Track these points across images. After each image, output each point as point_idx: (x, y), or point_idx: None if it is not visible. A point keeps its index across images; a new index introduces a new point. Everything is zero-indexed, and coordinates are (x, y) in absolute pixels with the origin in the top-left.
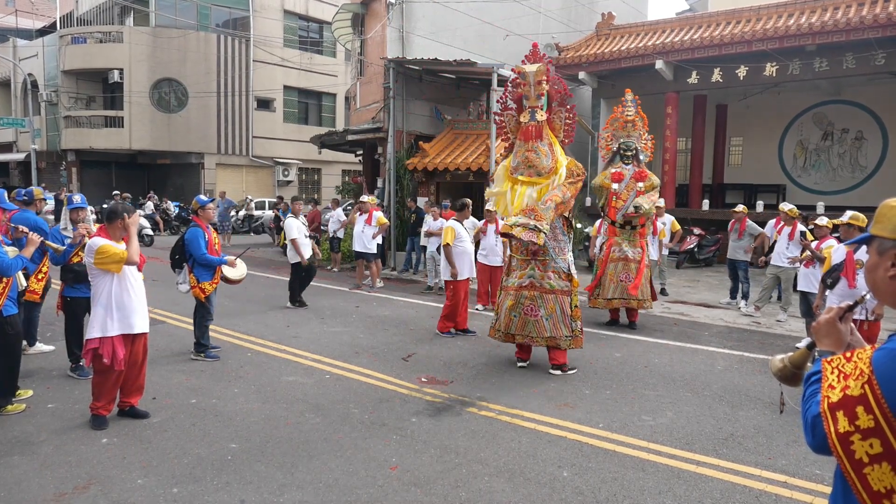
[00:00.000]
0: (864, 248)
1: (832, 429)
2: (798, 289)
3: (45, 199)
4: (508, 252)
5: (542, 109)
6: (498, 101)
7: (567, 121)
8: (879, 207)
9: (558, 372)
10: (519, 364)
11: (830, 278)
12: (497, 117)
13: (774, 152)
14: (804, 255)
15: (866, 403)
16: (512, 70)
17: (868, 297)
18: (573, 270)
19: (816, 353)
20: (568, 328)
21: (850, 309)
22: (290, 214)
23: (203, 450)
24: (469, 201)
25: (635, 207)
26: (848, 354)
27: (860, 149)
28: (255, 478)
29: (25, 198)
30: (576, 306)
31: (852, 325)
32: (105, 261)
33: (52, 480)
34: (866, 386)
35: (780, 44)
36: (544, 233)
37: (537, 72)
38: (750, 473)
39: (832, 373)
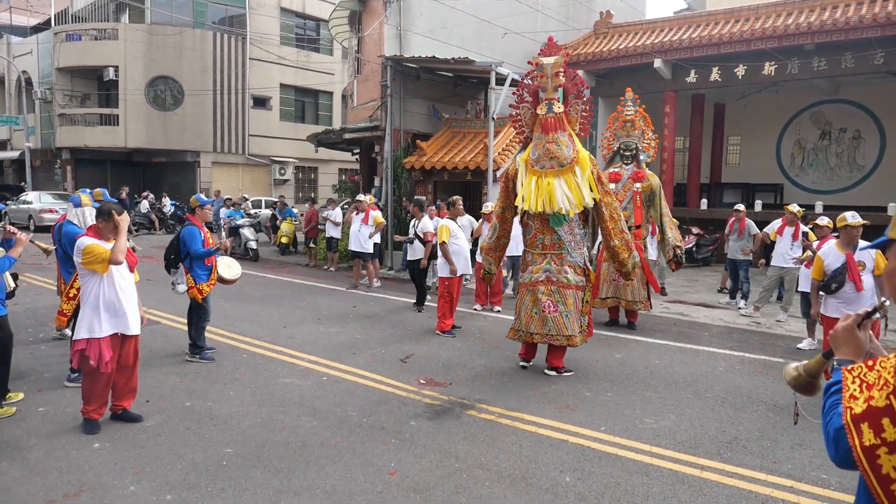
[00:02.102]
0: (863, 250)
1: (857, 442)
2: (799, 289)
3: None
4: (523, 247)
5: (559, 101)
6: (514, 94)
7: (584, 114)
8: None
9: (553, 373)
10: (521, 363)
11: (835, 283)
12: (513, 110)
13: (772, 151)
14: (805, 255)
15: (892, 415)
16: (529, 62)
17: (888, 303)
18: (589, 265)
19: (835, 363)
20: (579, 323)
21: (869, 316)
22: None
23: (198, 455)
24: (456, 198)
25: (676, 252)
26: (870, 363)
27: (858, 148)
28: (250, 484)
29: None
30: (586, 301)
31: (871, 332)
32: (91, 261)
33: (42, 487)
34: (892, 396)
35: (779, 43)
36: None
37: (555, 64)
38: (755, 478)
39: (853, 382)
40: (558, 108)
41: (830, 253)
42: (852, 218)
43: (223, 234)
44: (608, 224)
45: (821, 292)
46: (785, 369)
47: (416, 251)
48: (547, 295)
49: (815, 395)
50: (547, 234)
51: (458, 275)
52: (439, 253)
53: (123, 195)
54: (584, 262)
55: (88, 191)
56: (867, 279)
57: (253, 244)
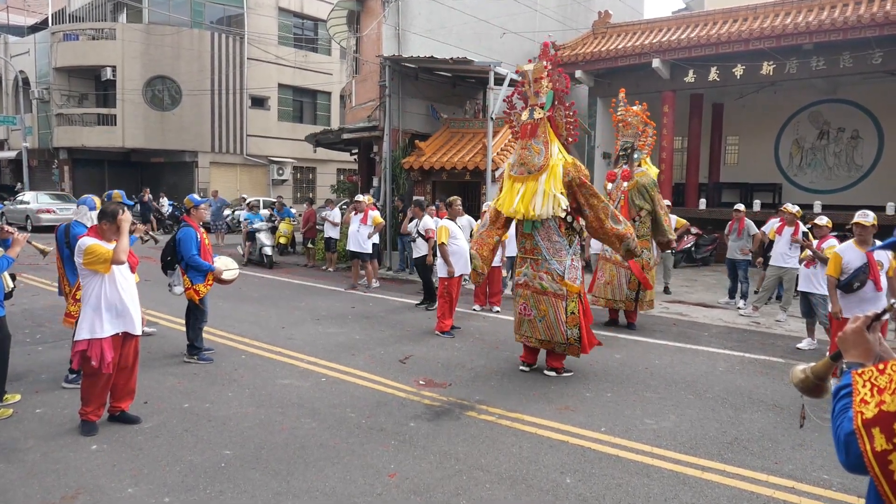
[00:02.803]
0: (875, 250)
1: (868, 447)
2: (799, 289)
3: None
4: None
5: (542, 108)
6: (505, 101)
7: (568, 118)
8: None
9: (552, 373)
10: (521, 368)
11: (858, 281)
12: (507, 116)
13: (770, 151)
14: (804, 254)
15: None
16: (516, 71)
17: None
18: (571, 275)
19: (844, 365)
20: (562, 334)
21: (878, 318)
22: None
23: (196, 457)
24: (454, 199)
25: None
26: (881, 366)
27: (856, 148)
28: (249, 486)
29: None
30: (572, 313)
31: (880, 334)
32: (93, 261)
33: (39, 490)
34: None
35: (778, 42)
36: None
37: (535, 70)
38: (757, 479)
39: (864, 386)
40: (538, 113)
41: (848, 250)
42: (862, 217)
43: (243, 238)
44: (593, 224)
45: (839, 290)
46: (792, 371)
47: (420, 249)
48: (524, 298)
49: (823, 397)
50: (526, 238)
51: (457, 275)
52: (438, 253)
53: (146, 197)
54: (563, 271)
55: (113, 192)
56: (883, 279)
57: (268, 250)
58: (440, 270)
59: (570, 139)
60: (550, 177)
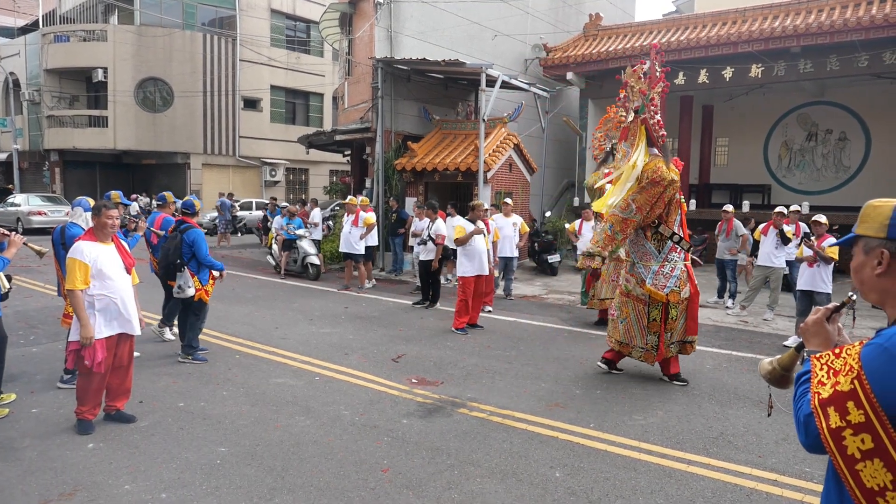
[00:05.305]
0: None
1: (823, 424)
2: (799, 288)
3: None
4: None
5: (634, 111)
6: (617, 99)
7: (656, 121)
8: (864, 208)
9: (605, 366)
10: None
11: None
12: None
13: (759, 153)
14: (800, 251)
15: (856, 398)
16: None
17: (854, 297)
18: (656, 281)
19: (805, 354)
20: (643, 338)
21: (837, 310)
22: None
23: (191, 454)
24: (478, 203)
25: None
26: (837, 351)
27: (843, 149)
28: (245, 482)
29: (159, 202)
30: (653, 320)
31: (839, 325)
32: (68, 270)
33: (37, 487)
34: (856, 381)
35: (766, 45)
36: (600, 255)
37: (625, 74)
38: (741, 472)
39: (822, 369)
40: (630, 117)
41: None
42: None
43: (275, 246)
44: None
45: None
46: (760, 364)
47: (430, 252)
48: (617, 300)
49: (789, 387)
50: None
51: (470, 275)
52: (460, 251)
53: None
54: (647, 276)
55: (112, 193)
56: None
57: (315, 259)
58: (459, 269)
59: (660, 140)
60: (624, 179)
